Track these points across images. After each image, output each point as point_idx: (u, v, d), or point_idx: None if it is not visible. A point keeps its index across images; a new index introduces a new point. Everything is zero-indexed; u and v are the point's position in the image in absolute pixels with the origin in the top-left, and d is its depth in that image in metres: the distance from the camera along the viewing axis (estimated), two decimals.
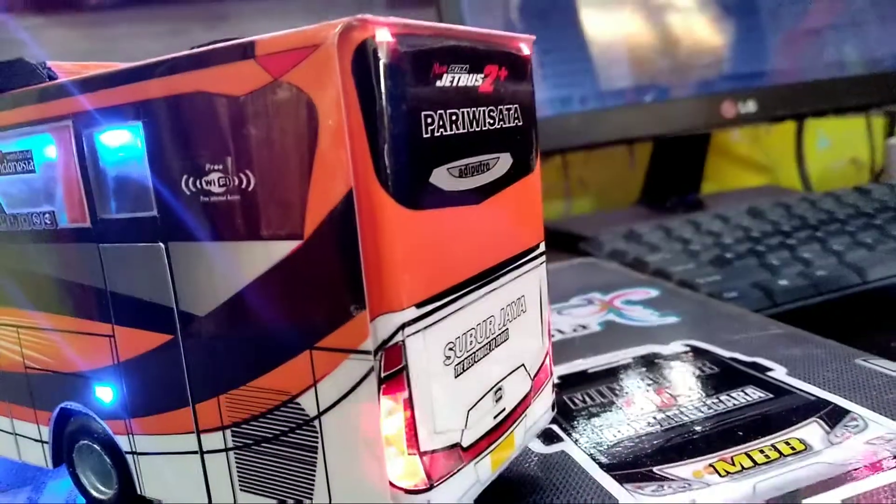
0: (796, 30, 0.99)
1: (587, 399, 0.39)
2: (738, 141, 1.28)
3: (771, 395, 0.37)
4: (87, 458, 0.32)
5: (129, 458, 0.30)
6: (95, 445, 0.32)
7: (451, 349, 0.25)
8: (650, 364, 0.43)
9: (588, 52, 0.92)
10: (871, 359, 0.40)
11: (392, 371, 0.23)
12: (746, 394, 0.37)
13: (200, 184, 0.25)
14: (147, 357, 0.28)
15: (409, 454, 0.24)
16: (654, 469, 0.32)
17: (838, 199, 0.85)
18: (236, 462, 0.27)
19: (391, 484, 0.23)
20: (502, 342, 0.29)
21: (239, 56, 0.23)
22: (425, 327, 0.24)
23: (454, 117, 0.25)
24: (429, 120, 0.24)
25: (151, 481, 0.30)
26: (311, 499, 0.25)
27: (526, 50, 0.31)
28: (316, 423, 0.24)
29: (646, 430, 0.35)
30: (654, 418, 0.36)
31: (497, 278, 0.28)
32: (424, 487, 0.24)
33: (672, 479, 0.31)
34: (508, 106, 0.29)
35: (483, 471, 0.27)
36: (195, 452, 0.28)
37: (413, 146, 0.23)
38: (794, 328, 0.46)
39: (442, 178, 0.25)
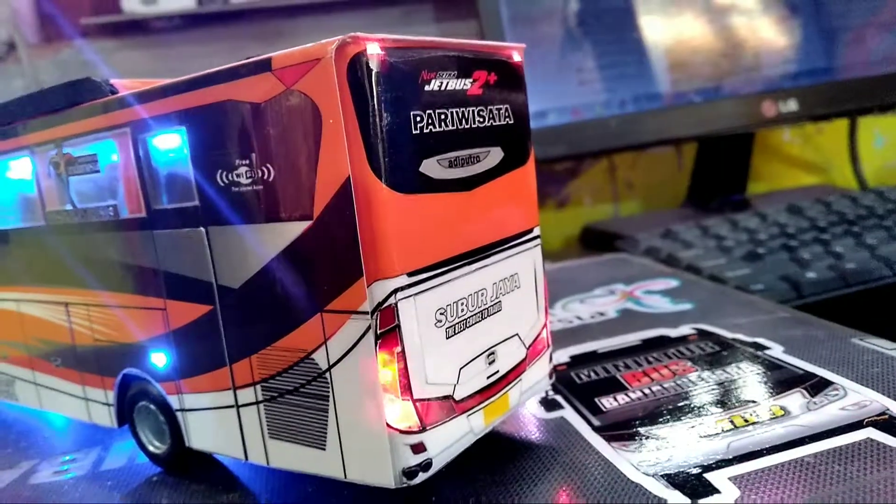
0: (838, 27, 0.99)
1: (592, 374, 0.42)
2: (789, 141, 1.28)
3: (763, 370, 0.40)
4: (145, 417, 0.38)
5: (178, 415, 0.35)
6: (151, 406, 0.37)
7: (442, 314, 0.29)
8: (656, 345, 0.46)
9: (627, 57, 0.95)
10: (867, 338, 0.42)
11: (386, 329, 0.27)
12: (740, 368, 0.40)
13: (231, 176, 0.30)
14: (192, 325, 0.33)
15: (403, 400, 0.28)
16: (640, 430, 0.35)
17: (881, 196, 0.85)
18: (265, 413, 0.32)
19: (388, 426, 0.28)
20: (495, 312, 0.33)
21: (259, 70, 0.28)
22: (417, 293, 0.28)
23: (443, 116, 0.29)
24: (418, 118, 0.28)
25: (197, 434, 0.35)
26: (325, 441, 0.30)
27: (517, 57, 0.35)
28: (327, 375, 0.29)
29: (640, 399, 0.38)
30: (650, 389, 0.39)
31: (488, 256, 0.32)
32: (418, 430, 0.28)
33: (654, 438, 0.34)
34: (499, 106, 0.33)
35: (476, 423, 0.31)
36: (232, 406, 0.33)
37: (402, 141, 0.27)
38: (802, 313, 0.48)
39: (432, 167, 0.29)
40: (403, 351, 0.28)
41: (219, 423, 0.34)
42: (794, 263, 0.66)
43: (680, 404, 0.37)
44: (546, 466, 0.33)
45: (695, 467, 0.31)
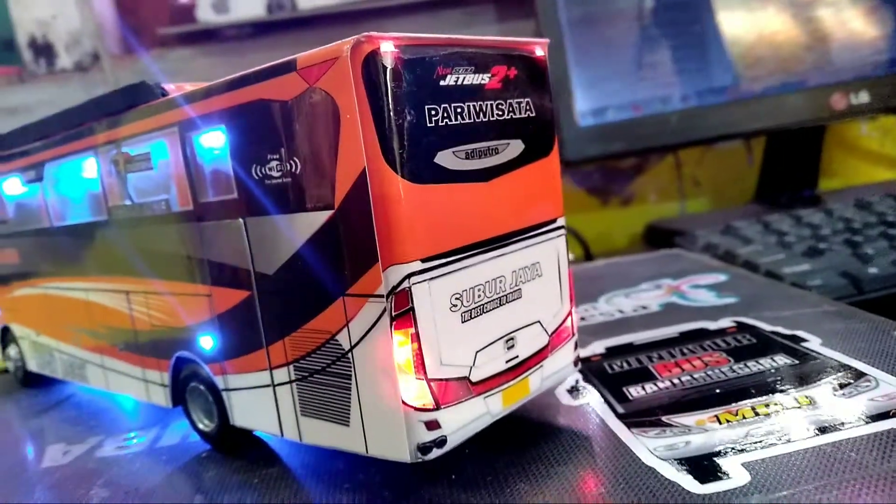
0: None
1: (624, 365, 0.43)
2: (866, 135, 1.23)
3: (797, 361, 0.39)
4: (196, 397, 0.41)
5: (223, 394, 0.38)
6: (201, 386, 0.40)
7: (457, 299, 0.31)
8: (693, 337, 0.46)
9: (688, 51, 0.94)
10: None
11: (401, 311, 0.29)
12: (774, 360, 0.40)
13: (264, 170, 0.32)
14: (234, 310, 0.36)
15: (417, 379, 0.29)
16: (662, 417, 0.35)
17: None
18: (298, 391, 0.34)
19: (404, 403, 0.29)
20: (514, 299, 0.34)
21: (286, 70, 0.30)
22: (431, 278, 0.30)
23: (459, 110, 0.31)
24: (433, 112, 0.30)
25: (239, 413, 0.38)
26: (349, 418, 0.31)
27: (540, 52, 0.36)
28: (349, 355, 0.31)
29: (667, 389, 0.38)
30: (680, 380, 0.39)
31: (507, 245, 0.33)
32: (432, 408, 0.30)
33: (674, 426, 0.34)
34: (519, 100, 0.34)
35: (494, 405, 0.33)
36: (269, 385, 0.35)
37: (417, 133, 0.29)
38: (848, 306, 0.47)
39: (447, 159, 0.30)
40: (417, 332, 0.29)
41: (258, 402, 0.36)
42: (855, 259, 0.64)
43: (706, 394, 0.37)
44: (565, 450, 0.34)
45: (710, 453, 0.31)
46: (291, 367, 0.34)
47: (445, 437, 0.30)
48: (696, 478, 0.29)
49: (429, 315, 0.30)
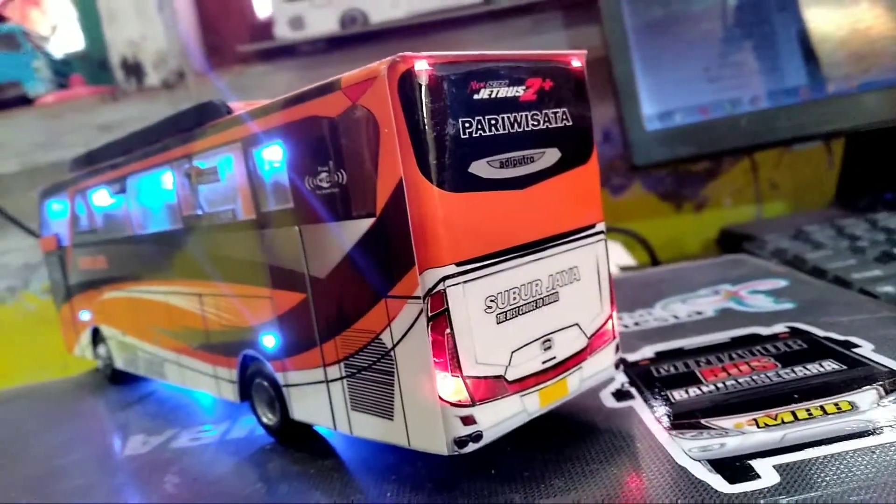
0: None
1: (671, 369, 0.43)
2: None
3: (845, 367, 0.39)
4: (261, 393, 0.44)
5: (284, 390, 0.41)
6: (265, 382, 0.43)
7: (492, 301, 0.32)
8: (744, 342, 0.46)
9: (758, 52, 0.92)
10: None
11: (436, 312, 0.31)
12: (822, 366, 0.40)
13: (316, 181, 0.35)
14: (292, 311, 0.39)
15: (453, 376, 0.31)
16: (702, 420, 0.36)
17: None
18: (348, 387, 0.36)
19: (440, 399, 0.31)
20: (551, 302, 0.35)
21: (332, 89, 0.33)
22: (465, 281, 0.31)
23: (493, 121, 0.32)
24: (467, 124, 0.31)
25: (298, 407, 0.40)
26: (393, 412, 0.34)
27: (577, 63, 0.37)
28: (392, 353, 0.33)
29: (710, 392, 0.39)
30: (724, 384, 0.40)
31: (544, 249, 0.35)
32: (468, 403, 0.31)
33: (712, 429, 0.35)
34: (555, 110, 0.35)
35: (531, 404, 0.34)
36: (322, 382, 0.38)
37: (451, 145, 0.31)
38: None
39: (482, 168, 0.32)
40: (452, 332, 0.31)
41: (313, 397, 0.39)
42: None
43: (748, 398, 0.37)
44: (601, 450, 0.35)
45: (743, 455, 0.31)
46: (342, 364, 0.36)
47: (481, 432, 0.32)
48: (725, 478, 0.30)
49: (463, 316, 0.31)
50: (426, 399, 0.32)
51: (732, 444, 0.33)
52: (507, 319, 0.33)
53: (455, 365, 0.31)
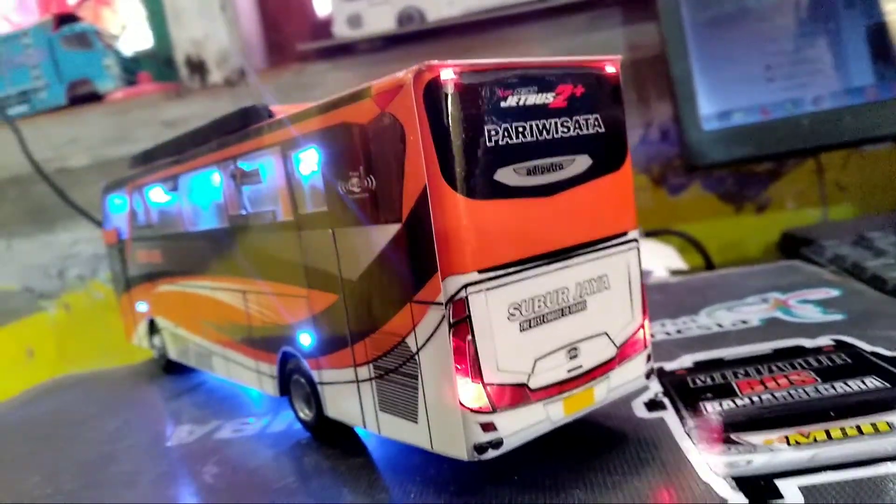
0: None
1: (708, 380, 0.42)
2: None
3: (888, 385, 0.37)
4: (298, 389, 0.45)
5: (318, 387, 0.42)
6: (302, 379, 0.44)
7: (515, 308, 0.32)
8: (786, 355, 0.44)
9: (821, 50, 0.89)
10: None
11: (458, 319, 0.31)
12: (864, 382, 0.38)
13: (348, 186, 0.35)
14: (326, 311, 0.40)
15: (474, 383, 0.31)
16: (732, 435, 0.35)
17: None
18: (377, 388, 0.37)
19: (461, 404, 0.31)
20: (578, 311, 0.35)
21: (363, 96, 0.33)
22: (488, 289, 0.32)
23: (521, 129, 0.32)
24: (492, 132, 0.32)
25: (331, 405, 0.41)
26: (417, 415, 0.34)
27: (611, 69, 0.36)
28: (416, 357, 0.33)
29: (744, 406, 0.38)
30: (760, 397, 0.39)
31: (571, 257, 0.35)
32: (488, 410, 0.32)
33: (741, 444, 0.34)
34: (587, 116, 0.35)
35: (555, 413, 0.34)
36: (353, 382, 0.38)
37: (476, 153, 0.31)
38: None
39: (508, 176, 0.32)
40: (474, 339, 0.31)
41: (345, 396, 0.39)
42: None
43: (782, 413, 0.36)
44: (627, 461, 0.35)
45: (769, 473, 0.31)
46: (371, 365, 0.37)
47: (502, 439, 0.32)
48: (747, 496, 0.29)
49: (485, 323, 0.31)
50: (448, 404, 0.32)
51: (759, 462, 0.32)
52: (531, 327, 0.33)
53: (476, 371, 0.31)
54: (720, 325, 0.53)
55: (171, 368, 0.65)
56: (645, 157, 1.13)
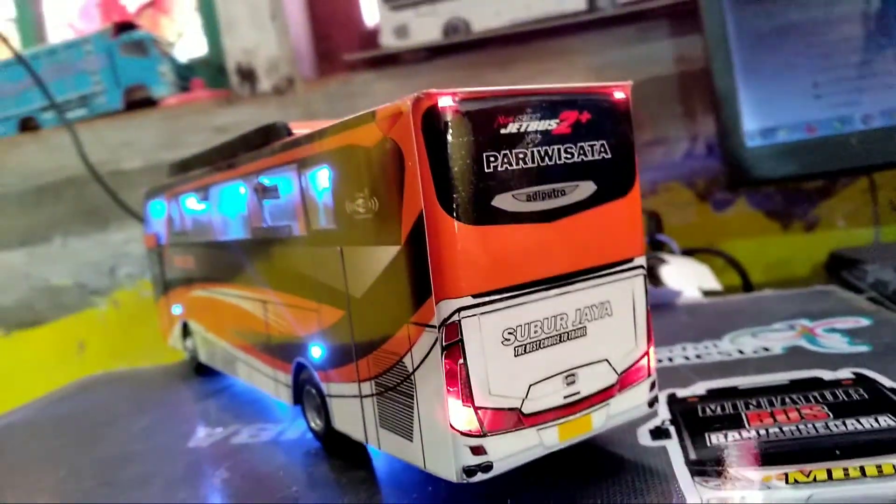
0: None
1: (718, 410, 0.42)
2: None
3: None
4: (310, 399, 0.46)
5: (327, 399, 0.43)
6: (313, 390, 0.45)
7: (510, 333, 0.33)
8: (803, 386, 0.43)
9: (873, 67, 0.86)
10: None
11: (451, 342, 0.31)
12: (877, 421, 0.37)
13: (354, 206, 0.36)
14: (334, 326, 0.40)
15: (464, 406, 0.32)
16: (730, 469, 0.34)
17: None
18: (378, 404, 0.37)
19: (451, 426, 0.32)
20: (577, 337, 0.35)
21: (369, 120, 0.34)
22: (483, 313, 0.32)
23: (521, 155, 0.33)
24: (491, 158, 0.32)
25: (338, 417, 0.42)
26: (412, 434, 0.35)
27: (620, 94, 0.36)
28: (412, 377, 0.34)
29: (750, 439, 0.37)
30: (767, 431, 0.38)
31: (571, 283, 0.35)
32: (478, 434, 0.32)
33: (739, 479, 0.33)
34: (592, 142, 0.35)
35: (549, 438, 0.34)
36: (357, 396, 0.39)
37: (473, 179, 0.31)
38: None
39: (507, 201, 0.32)
40: (465, 363, 0.32)
41: (350, 410, 0.40)
42: None
43: (787, 449, 0.36)
44: (620, 490, 0.34)
45: None
46: (374, 381, 0.37)
47: (491, 462, 0.32)
48: None
49: (478, 347, 0.32)
50: (439, 425, 0.32)
51: (753, 500, 0.31)
52: (526, 352, 0.33)
53: (467, 395, 0.32)
54: (741, 352, 0.51)
55: (201, 370, 0.67)
56: (690, 171, 1.12)
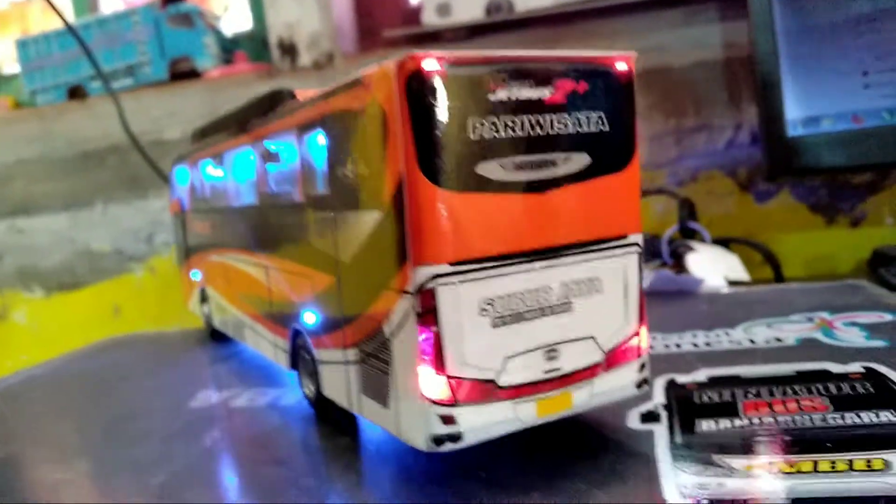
0: None
1: (714, 397, 0.40)
2: None
3: None
4: (305, 365, 0.46)
5: (318, 365, 0.43)
6: (307, 356, 0.45)
7: (488, 304, 0.32)
8: (809, 378, 0.42)
9: None
10: None
11: (426, 309, 0.31)
12: (877, 416, 0.35)
13: (345, 171, 0.36)
14: (325, 291, 0.40)
15: (437, 374, 0.31)
16: (714, 456, 0.33)
17: None
18: (360, 370, 0.37)
19: (422, 394, 0.31)
20: (561, 312, 0.34)
21: (359, 84, 0.34)
22: (460, 282, 0.31)
23: (511, 122, 0.32)
24: (477, 125, 0.31)
25: (326, 384, 0.42)
26: (388, 401, 0.34)
27: (623, 66, 0.35)
28: (389, 344, 0.34)
29: (741, 427, 0.36)
30: (760, 420, 0.37)
31: (558, 257, 0.34)
32: (449, 402, 0.32)
33: (720, 467, 0.32)
34: (588, 114, 0.34)
35: (525, 413, 0.33)
36: (343, 363, 0.39)
37: (456, 145, 0.31)
38: None
39: (492, 170, 0.32)
40: (440, 330, 0.31)
41: (337, 376, 0.40)
42: None
43: (777, 440, 0.34)
44: (599, 470, 0.34)
45: (739, 500, 0.29)
46: (357, 348, 0.37)
47: (461, 432, 0.32)
48: None
49: (453, 316, 0.31)
50: (412, 393, 0.32)
51: (731, 487, 0.30)
52: (504, 324, 0.33)
53: (440, 363, 0.31)
54: (752, 342, 0.50)
55: (216, 336, 0.68)
56: (732, 160, 1.09)
